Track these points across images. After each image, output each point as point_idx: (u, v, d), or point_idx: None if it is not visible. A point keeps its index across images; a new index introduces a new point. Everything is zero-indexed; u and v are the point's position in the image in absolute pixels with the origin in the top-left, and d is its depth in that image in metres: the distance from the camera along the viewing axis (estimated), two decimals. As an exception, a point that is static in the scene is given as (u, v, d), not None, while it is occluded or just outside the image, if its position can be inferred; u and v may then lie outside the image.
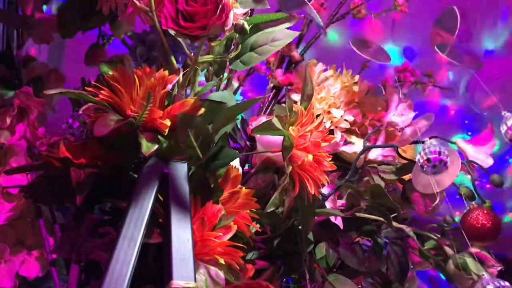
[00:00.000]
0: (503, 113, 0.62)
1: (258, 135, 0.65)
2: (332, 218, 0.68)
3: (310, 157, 0.54)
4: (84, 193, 0.49)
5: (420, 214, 0.72)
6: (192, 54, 0.55)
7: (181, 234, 0.46)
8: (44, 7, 0.84)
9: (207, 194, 0.53)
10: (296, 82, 0.77)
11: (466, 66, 0.91)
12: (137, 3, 0.53)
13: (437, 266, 0.69)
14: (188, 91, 0.57)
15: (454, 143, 0.67)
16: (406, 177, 0.75)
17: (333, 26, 0.84)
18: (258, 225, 0.59)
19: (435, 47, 0.74)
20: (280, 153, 0.54)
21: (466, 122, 1.36)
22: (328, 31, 0.92)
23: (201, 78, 0.59)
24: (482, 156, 0.68)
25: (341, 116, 0.75)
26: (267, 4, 0.58)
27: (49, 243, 0.72)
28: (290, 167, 0.54)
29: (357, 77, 0.79)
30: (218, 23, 0.47)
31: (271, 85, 0.79)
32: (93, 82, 0.55)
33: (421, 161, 0.60)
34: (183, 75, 0.54)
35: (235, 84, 0.83)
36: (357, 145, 0.74)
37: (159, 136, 0.50)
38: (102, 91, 0.51)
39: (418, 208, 0.72)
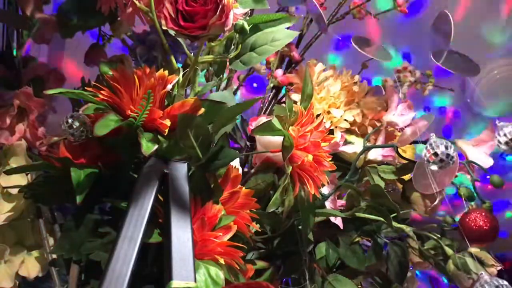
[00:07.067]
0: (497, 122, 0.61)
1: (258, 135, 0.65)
2: (332, 218, 0.68)
3: (310, 157, 0.54)
4: (84, 193, 0.49)
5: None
6: (192, 54, 0.55)
7: (181, 234, 0.46)
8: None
9: (207, 194, 0.53)
10: (296, 82, 0.77)
11: (463, 74, 0.91)
12: (137, 3, 0.53)
13: (437, 266, 0.69)
14: (188, 91, 0.57)
15: (454, 143, 0.67)
16: (406, 177, 0.75)
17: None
18: (258, 225, 0.59)
19: (431, 56, 0.74)
20: (280, 153, 0.54)
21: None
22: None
23: (201, 78, 0.59)
24: (482, 156, 0.68)
25: (341, 116, 0.75)
26: (267, 4, 0.58)
27: (49, 243, 0.72)
28: (290, 167, 0.54)
29: (357, 77, 0.79)
30: (218, 23, 0.47)
31: (271, 85, 0.79)
32: (93, 82, 0.55)
33: (428, 155, 0.58)
34: (183, 75, 0.54)
35: (235, 84, 0.83)
36: (357, 145, 0.74)
37: (159, 136, 0.50)
38: (102, 91, 0.51)
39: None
